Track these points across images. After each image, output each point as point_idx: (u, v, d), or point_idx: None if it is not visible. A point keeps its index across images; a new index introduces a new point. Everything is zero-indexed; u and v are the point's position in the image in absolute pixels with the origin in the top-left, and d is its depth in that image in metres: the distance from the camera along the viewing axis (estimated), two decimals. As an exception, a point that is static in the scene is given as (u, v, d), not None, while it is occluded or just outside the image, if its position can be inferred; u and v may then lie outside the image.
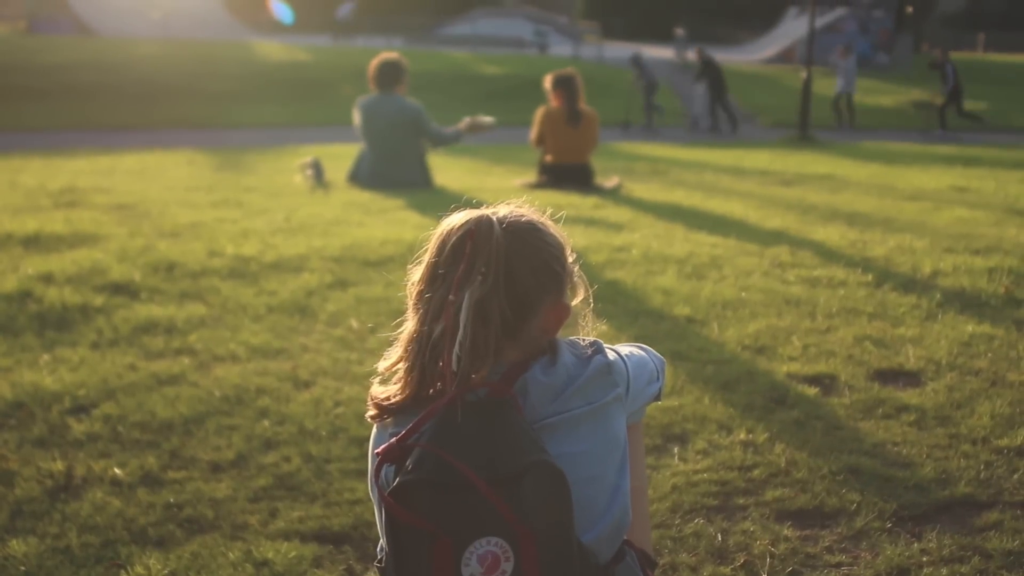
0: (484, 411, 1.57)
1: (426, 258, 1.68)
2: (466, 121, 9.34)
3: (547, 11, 54.23)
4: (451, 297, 1.59)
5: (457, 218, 1.67)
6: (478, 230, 1.62)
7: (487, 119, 9.45)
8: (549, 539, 1.51)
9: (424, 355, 1.62)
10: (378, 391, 1.70)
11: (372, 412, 1.71)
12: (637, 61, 21.88)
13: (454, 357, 1.56)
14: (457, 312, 1.57)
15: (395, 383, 1.68)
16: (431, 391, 1.63)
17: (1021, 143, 18.67)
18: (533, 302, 1.65)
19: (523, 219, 1.69)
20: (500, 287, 1.60)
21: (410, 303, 1.69)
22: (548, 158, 9.49)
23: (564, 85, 9.36)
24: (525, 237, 1.66)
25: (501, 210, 1.70)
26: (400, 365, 1.67)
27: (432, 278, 1.64)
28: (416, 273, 1.69)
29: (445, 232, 1.66)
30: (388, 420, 1.69)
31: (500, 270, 1.61)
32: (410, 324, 1.67)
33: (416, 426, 1.58)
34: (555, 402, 1.65)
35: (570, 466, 1.56)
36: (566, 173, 9.37)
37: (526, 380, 1.64)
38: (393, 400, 1.67)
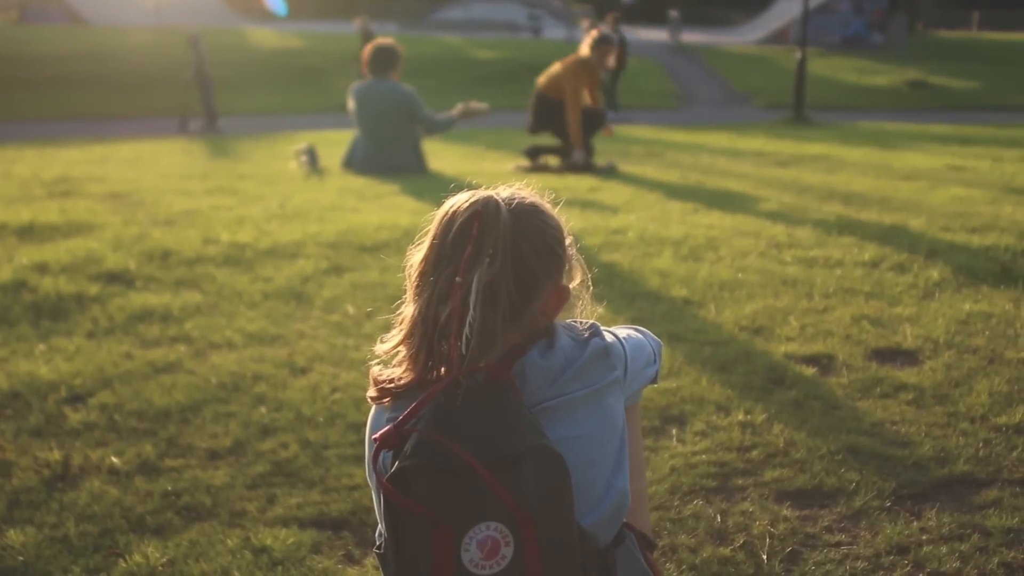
0: (482, 395, 1.55)
1: (429, 239, 1.65)
2: (459, 107, 9.32)
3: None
4: (458, 279, 1.56)
5: (461, 199, 1.65)
6: (485, 211, 1.60)
7: (480, 105, 9.43)
8: (549, 523, 1.49)
9: (431, 338, 1.60)
10: (380, 372, 1.68)
11: (373, 393, 1.69)
12: (194, 45, 17.10)
13: (463, 340, 1.55)
14: (466, 295, 1.55)
15: (398, 366, 1.66)
16: (435, 375, 1.62)
17: (1016, 121, 18.66)
18: (537, 284, 1.64)
19: (527, 201, 1.67)
20: (508, 269, 1.58)
21: (411, 285, 1.66)
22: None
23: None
24: (529, 219, 1.64)
25: (503, 192, 1.68)
26: (402, 348, 1.65)
27: (438, 260, 1.61)
28: (417, 255, 1.66)
29: (450, 213, 1.64)
30: (386, 403, 1.67)
31: (508, 252, 1.59)
32: (412, 307, 1.64)
33: (414, 411, 1.56)
34: (553, 385, 1.64)
35: (569, 450, 1.55)
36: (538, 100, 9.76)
37: (524, 364, 1.63)
38: (397, 383, 1.65)
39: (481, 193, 1.65)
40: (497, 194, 1.66)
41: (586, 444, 1.64)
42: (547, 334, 1.68)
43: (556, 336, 1.68)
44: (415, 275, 1.65)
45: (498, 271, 1.57)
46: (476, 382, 1.57)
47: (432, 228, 1.65)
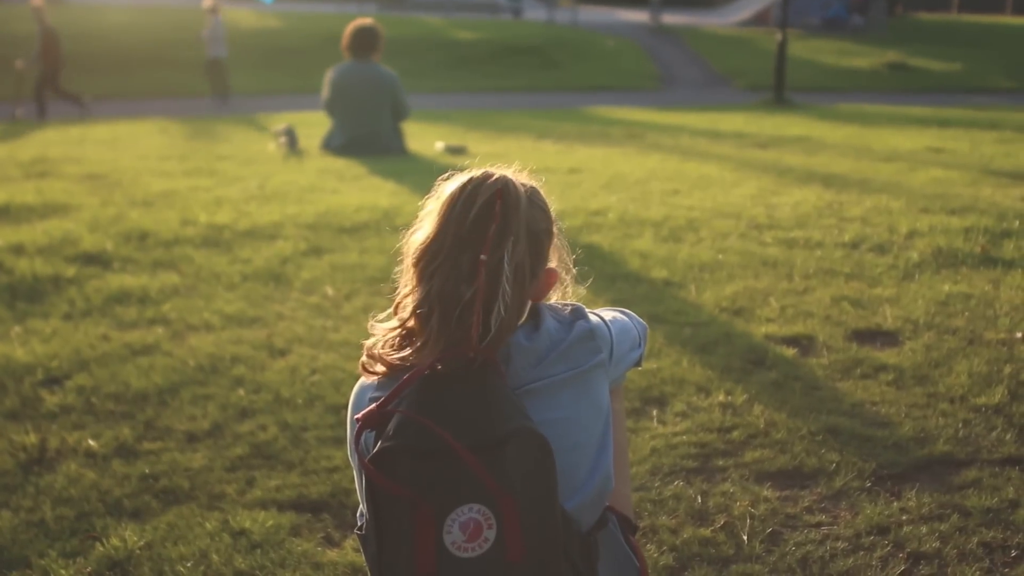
0: (466, 377, 1.54)
1: (437, 219, 1.60)
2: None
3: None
4: (483, 257, 1.54)
5: (473, 178, 1.62)
6: (506, 191, 1.59)
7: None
8: (532, 506, 1.48)
9: (451, 317, 1.55)
10: (387, 352, 1.63)
11: (380, 368, 1.63)
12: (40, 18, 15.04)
13: (494, 318, 1.54)
14: (493, 274, 1.54)
15: (405, 345, 1.61)
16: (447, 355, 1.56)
17: (995, 104, 18.72)
18: (542, 267, 1.65)
19: (528, 184, 1.67)
20: (528, 250, 1.59)
21: (415, 267, 1.61)
22: None
23: None
24: (535, 201, 1.66)
25: (505, 173, 1.66)
26: (412, 327, 1.61)
27: (456, 239, 1.57)
28: (420, 235, 1.61)
29: (465, 193, 1.60)
30: (380, 376, 1.63)
31: (527, 233, 1.59)
32: (421, 288, 1.59)
33: (397, 391, 1.54)
34: (537, 367, 1.62)
35: (553, 432, 1.54)
36: None
37: (509, 345, 1.61)
38: (410, 362, 1.59)
39: (494, 172, 1.63)
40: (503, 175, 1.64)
41: (570, 427, 1.63)
42: (533, 316, 1.66)
43: (542, 318, 1.66)
44: (422, 256, 1.60)
45: (523, 252, 1.58)
46: (460, 363, 1.55)
47: (441, 208, 1.61)
